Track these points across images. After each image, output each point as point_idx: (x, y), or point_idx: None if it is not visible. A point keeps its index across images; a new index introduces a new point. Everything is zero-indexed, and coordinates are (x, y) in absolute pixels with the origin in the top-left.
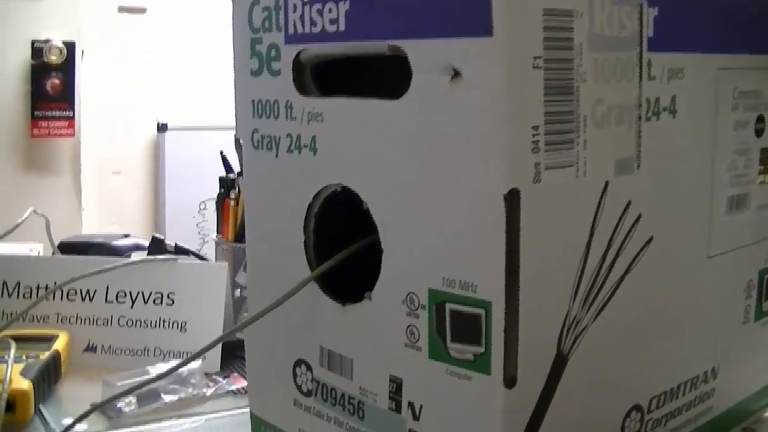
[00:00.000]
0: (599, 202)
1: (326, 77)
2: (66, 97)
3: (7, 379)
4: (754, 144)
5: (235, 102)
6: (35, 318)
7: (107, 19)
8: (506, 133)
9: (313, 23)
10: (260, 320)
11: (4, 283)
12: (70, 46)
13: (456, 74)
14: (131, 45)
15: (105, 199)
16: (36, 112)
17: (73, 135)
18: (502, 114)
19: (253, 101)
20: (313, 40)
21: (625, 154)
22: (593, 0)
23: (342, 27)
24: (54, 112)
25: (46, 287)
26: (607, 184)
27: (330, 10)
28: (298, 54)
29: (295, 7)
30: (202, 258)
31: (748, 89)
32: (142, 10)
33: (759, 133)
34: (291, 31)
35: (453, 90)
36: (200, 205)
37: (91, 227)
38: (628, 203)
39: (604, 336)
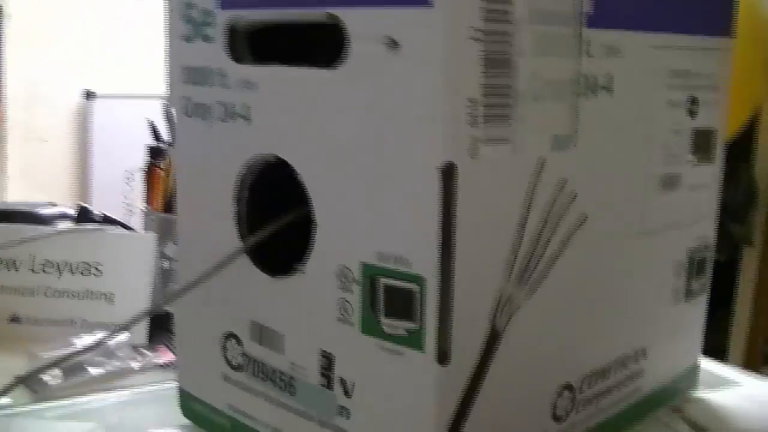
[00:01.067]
0: (535, 179)
1: (261, 45)
2: None
3: None
4: (687, 124)
5: (167, 69)
6: None
7: None
8: (443, 106)
9: None
10: (189, 293)
11: None
12: None
13: (394, 44)
14: (59, 10)
15: (31, 167)
16: None
17: None
18: (439, 86)
19: (185, 68)
20: (248, 6)
21: (562, 130)
22: None
23: None
24: None
25: None
26: (543, 160)
27: None
28: (233, 20)
29: None
30: (129, 229)
31: (682, 69)
32: None
33: (691, 113)
34: None
35: (390, 60)
36: (127, 174)
37: (16, 196)
38: (564, 180)
39: (537, 314)
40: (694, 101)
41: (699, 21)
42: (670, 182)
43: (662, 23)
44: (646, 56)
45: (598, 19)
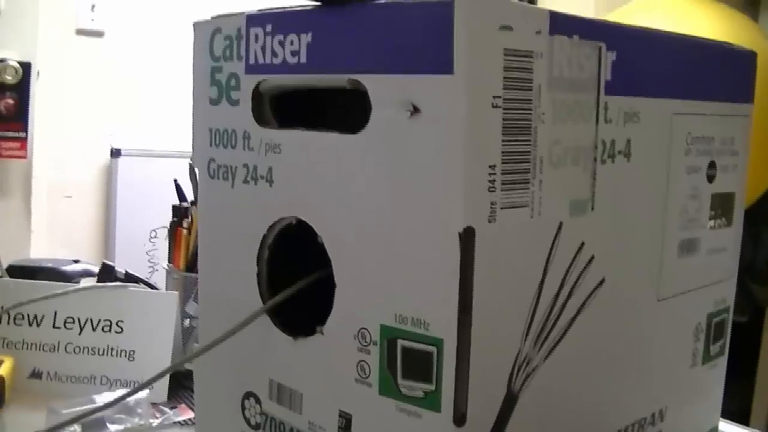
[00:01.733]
0: (553, 243)
1: (285, 109)
2: (19, 117)
3: None
4: (705, 189)
5: (193, 130)
6: None
7: (65, 41)
8: (463, 171)
9: (274, 54)
10: (210, 351)
11: None
12: (26, 67)
13: (415, 110)
14: (88, 68)
15: (55, 223)
16: None
17: (25, 157)
18: (460, 152)
19: (210, 130)
20: (273, 71)
21: (580, 195)
22: (553, 41)
23: (303, 59)
24: (7, 133)
25: None
26: (561, 224)
27: (292, 42)
28: (258, 84)
29: (257, 37)
30: (152, 286)
31: (700, 135)
32: (101, 34)
33: (710, 178)
34: (252, 61)
35: (412, 126)
36: (151, 233)
37: (40, 251)
38: (582, 244)
39: (554, 375)
40: (712, 166)
41: (718, 87)
42: (688, 246)
43: (681, 90)
44: (664, 122)
45: (617, 86)
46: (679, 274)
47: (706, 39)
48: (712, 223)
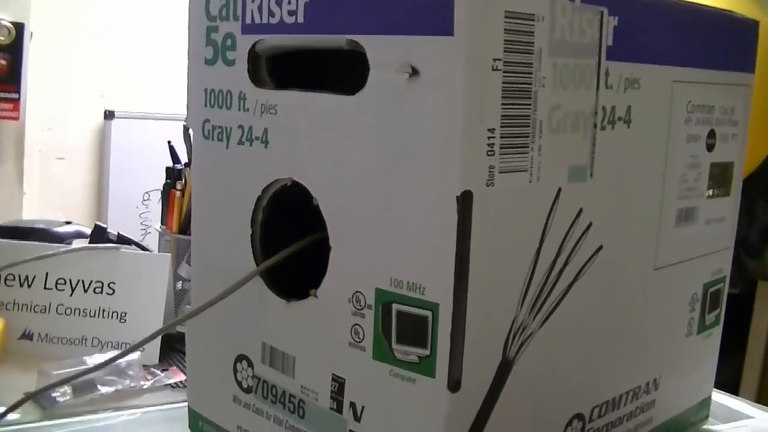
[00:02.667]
0: (551, 209)
1: (282, 70)
2: (12, 78)
3: None
4: (704, 158)
5: (188, 90)
6: None
7: (59, 2)
8: (461, 135)
9: (271, 14)
10: (202, 314)
11: None
12: (19, 27)
13: (414, 72)
14: (81, 29)
15: (47, 185)
16: None
17: (17, 118)
18: (459, 115)
19: (205, 90)
20: (270, 31)
21: (579, 161)
22: (555, 4)
23: (300, 19)
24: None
25: None
26: (559, 190)
27: (289, 2)
28: (254, 44)
29: None
30: (144, 249)
31: (701, 103)
32: None
33: (710, 147)
34: (248, 20)
35: (410, 88)
36: (144, 195)
37: (32, 213)
38: (580, 211)
39: (549, 343)
40: (712, 135)
41: (719, 56)
42: (686, 215)
43: (682, 57)
44: (665, 89)
45: (618, 52)
46: (677, 243)
47: (709, 7)
48: (710, 192)
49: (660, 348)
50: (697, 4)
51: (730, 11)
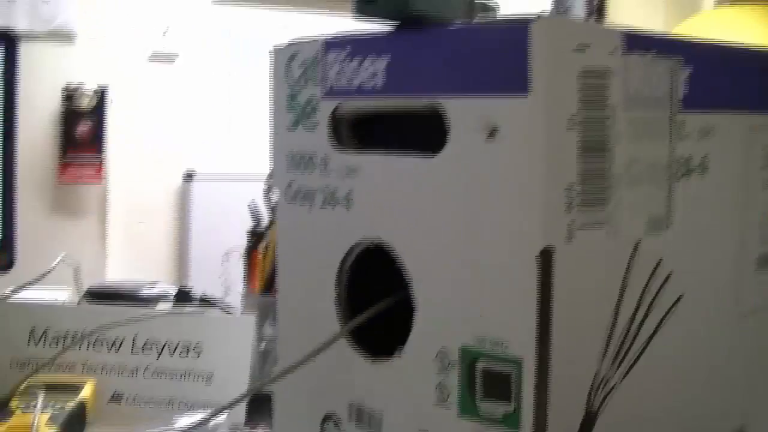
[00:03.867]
0: (630, 261)
1: (363, 132)
2: (95, 142)
3: (35, 427)
4: None
5: (271, 155)
6: (62, 366)
7: (138, 66)
8: (540, 192)
9: (351, 78)
10: (289, 375)
11: (32, 330)
12: (101, 92)
13: (493, 131)
14: (161, 92)
15: (130, 245)
16: (65, 157)
17: (100, 181)
18: (537, 172)
19: (288, 154)
20: (350, 95)
21: (657, 212)
22: (628, 60)
23: (380, 82)
24: (83, 157)
25: (74, 335)
26: (638, 242)
27: (369, 66)
28: (336, 108)
29: (334, 61)
30: (228, 309)
31: None
32: (173, 58)
33: None
34: (329, 85)
35: (489, 147)
36: (224, 254)
37: (115, 273)
38: (659, 261)
39: (632, 395)
40: None
41: None
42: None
43: (757, 103)
44: (740, 136)
45: (692, 101)
46: (760, 288)
47: None
48: None
49: (748, 394)
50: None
51: None
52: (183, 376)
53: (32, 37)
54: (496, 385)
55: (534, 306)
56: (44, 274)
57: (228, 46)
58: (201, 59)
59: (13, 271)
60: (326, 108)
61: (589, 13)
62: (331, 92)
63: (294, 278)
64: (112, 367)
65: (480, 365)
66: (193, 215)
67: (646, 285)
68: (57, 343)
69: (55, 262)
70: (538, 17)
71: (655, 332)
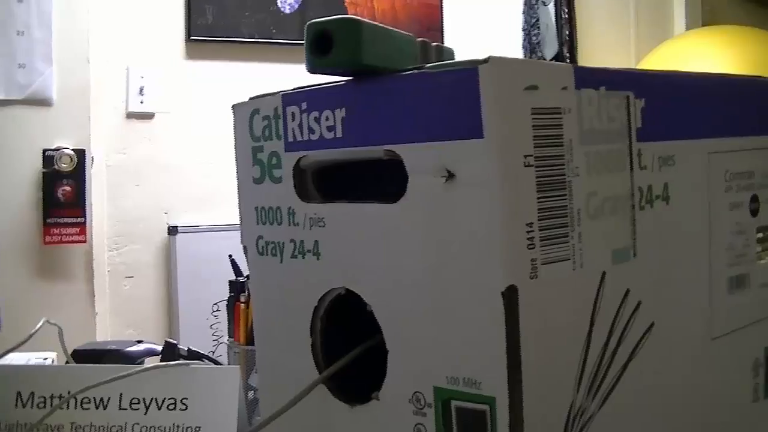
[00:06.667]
0: (597, 292)
1: (327, 182)
2: (77, 203)
3: None
4: (750, 223)
5: (239, 209)
6: (49, 428)
7: (116, 126)
8: (501, 231)
9: (311, 131)
10: (272, 423)
11: (18, 393)
12: (81, 153)
13: (450, 175)
14: (140, 149)
15: (118, 303)
16: (48, 219)
17: (85, 241)
18: (497, 212)
19: (256, 208)
20: (311, 147)
21: (621, 243)
22: (581, 95)
23: (339, 134)
24: (66, 219)
25: (60, 396)
26: (604, 274)
27: (327, 118)
28: (299, 161)
29: (293, 115)
30: (216, 361)
31: (740, 170)
32: (150, 116)
33: (754, 212)
34: (290, 138)
35: (448, 191)
36: (213, 306)
37: (105, 332)
38: (627, 291)
39: (610, 423)
40: (755, 199)
41: (755, 122)
42: (738, 282)
43: (716, 128)
44: (701, 162)
45: (649, 132)
46: (731, 311)
47: (738, 75)
48: (761, 256)
49: (725, 417)
50: (726, 74)
51: (761, 76)
52: (171, 431)
53: (9, 102)
54: (472, 424)
55: (503, 344)
56: (27, 339)
57: (201, 104)
58: (177, 116)
59: (1, 336)
60: (289, 160)
61: (560, 44)
62: (292, 145)
63: (270, 328)
64: (100, 426)
65: (454, 405)
66: (179, 269)
67: (616, 315)
68: (44, 405)
69: (38, 327)
70: (487, 60)
71: (629, 360)
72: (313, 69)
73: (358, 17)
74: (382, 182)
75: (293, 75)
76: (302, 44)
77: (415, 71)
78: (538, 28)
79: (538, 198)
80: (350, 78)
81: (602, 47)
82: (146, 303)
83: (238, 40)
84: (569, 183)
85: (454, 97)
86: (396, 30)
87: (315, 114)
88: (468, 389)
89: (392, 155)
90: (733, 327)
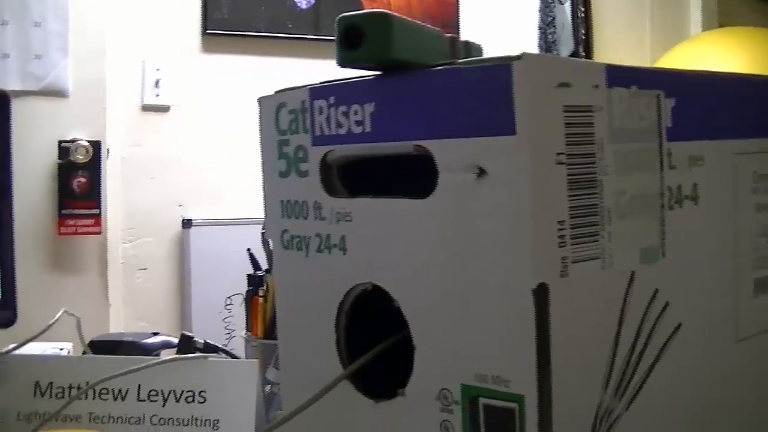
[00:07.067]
0: (626, 292)
1: (354, 177)
2: (92, 195)
3: None
4: None
5: (264, 203)
6: (68, 418)
7: (131, 118)
8: (532, 229)
9: (339, 125)
10: (293, 418)
11: (37, 383)
12: (96, 145)
13: (481, 172)
14: (155, 142)
15: (131, 295)
16: (63, 211)
17: (99, 232)
18: (528, 210)
19: (281, 202)
20: (339, 142)
21: (650, 243)
22: (612, 94)
23: (368, 128)
24: (81, 210)
25: (78, 387)
26: (633, 273)
27: (356, 112)
28: (325, 155)
29: (321, 109)
30: (231, 355)
31: (766, 172)
32: (166, 109)
33: None
34: (317, 132)
35: (479, 188)
36: (226, 300)
37: (118, 324)
38: (655, 291)
39: (637, 424)
40: None
41: None
42: (763, 285)
43: (743, 129)
44: (729, 163)
45: (678, 132)
46: (757, 313)
47: (764, 76)
48: None
49: (751, 419)
50: (754, 75)
51: None
52: (189, 423)
53: (25, 93)
54: (500, 422)
55: (533, 342)
56: (46, 329)
57: (217, 96)
58: (192, 108)
59: (16, 326)
60: (316, 155)
61: (576, 43)
62: (320, 139)
63: (294, 323)
64: (118, 417)
65: (482, 402)
66: (193, 262)
67: (644, 315)
68: (62, 395)
69: (57, 317)
70: (521, 56)
71: (656, 361)
72: (343, 63)
73: (388, 12)
74: (412, 177)
75: (309, 70)
76: (317, 39)
77: (447, 66)
78: (555, 26)
79: (569, 196)
80: (379, 73)
81: (618, 47)
82: (159, 295)
83: (254, 35)
84: (600, 181)
85: (486, 93)
86: (425, 25)
87: (343, 108)
88: (496, 387)
89: (422, 151)
90: (758, 329)
